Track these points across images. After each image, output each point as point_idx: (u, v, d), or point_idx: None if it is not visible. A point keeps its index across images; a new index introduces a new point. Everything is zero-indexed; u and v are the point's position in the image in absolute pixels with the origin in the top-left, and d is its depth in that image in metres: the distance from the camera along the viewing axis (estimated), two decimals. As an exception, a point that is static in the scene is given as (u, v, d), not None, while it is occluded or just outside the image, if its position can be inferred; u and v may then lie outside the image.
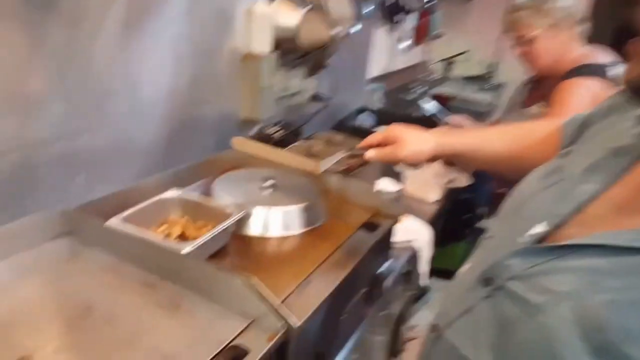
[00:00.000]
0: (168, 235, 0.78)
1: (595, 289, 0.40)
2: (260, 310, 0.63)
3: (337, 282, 0.75)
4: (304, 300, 0.70)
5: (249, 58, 1.31)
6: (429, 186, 1.55)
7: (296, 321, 0.62)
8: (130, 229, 0.72)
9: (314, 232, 0.89)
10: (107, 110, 0.95)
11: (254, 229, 0.85)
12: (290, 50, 1.46)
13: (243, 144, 1.06)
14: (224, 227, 0.75)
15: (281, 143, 1.36)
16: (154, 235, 0.75)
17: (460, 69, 3.46)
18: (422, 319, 2.34)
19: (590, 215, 0.47)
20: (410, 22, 2.57)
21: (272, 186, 0.94)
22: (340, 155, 0.98)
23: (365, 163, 1.37)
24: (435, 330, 0.58)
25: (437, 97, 2.35)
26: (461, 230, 2.60)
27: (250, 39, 1.31)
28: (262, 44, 1.32)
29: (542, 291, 0.44)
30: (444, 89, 3.11)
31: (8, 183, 0.79)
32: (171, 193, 0.85)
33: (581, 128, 0.62)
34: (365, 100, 2.22)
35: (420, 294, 1.97)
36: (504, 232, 0.55)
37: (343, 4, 1.56)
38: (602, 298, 0.39)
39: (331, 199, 1.02)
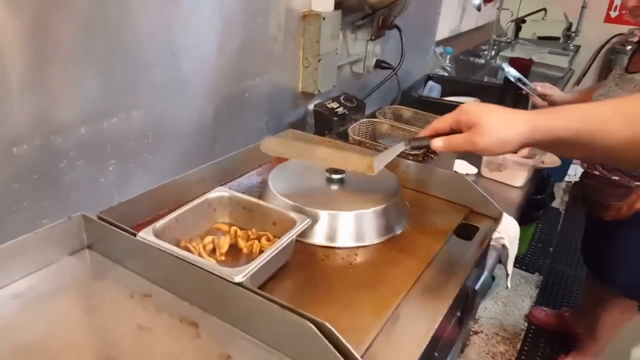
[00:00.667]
0: (213, 251, 0.62)
1: None
2: (336, 366, 0.46)
3: (436, 323, 0.56)
4: (392, 350, 0.52)
5: (308, 17, 1.10)
6: (514, 168, 1.30)
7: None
8: (166, 245, 0.55)
9: (394, 242, 0.70)
10: (143, 86, 0.78)
11: (318, 238, 0.67)
12: (353, 9, 1.24)
13: (271, 147, 0.74)
14: (286, 242, 0.57)
15: (342, 121, 1.16)
16: (196, 254, 0.58)
17: (534, 29, 3.08)
18: (484, 310, 2.15)
19: None
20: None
21: (340, 181, 0.75)
22: (399, 149, 0.72)
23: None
24: None
25: (513, 61, 2.04)
26: (534, 212, 2.33)
27: (311, -5, 1.10)
28: (324, 1, 1.11)
29: None
30: (516, 53, 2.77)
31: (24, 178, 0.64)
32: (217, 193, 0.67)
33: None
34: (433, 65, 1.96)
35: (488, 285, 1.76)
36: None
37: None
38: None
39: (410, 196, 0.82)
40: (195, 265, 0.53)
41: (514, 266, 1.21)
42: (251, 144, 0.91)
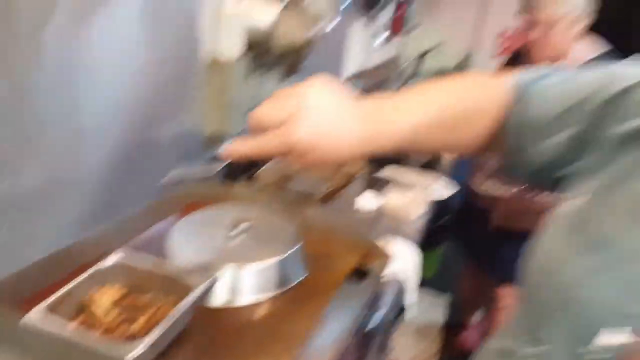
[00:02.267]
0: (114, 327, 0.61)
1: None
2: None
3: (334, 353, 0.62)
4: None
5: (216, 64, 1.14)
6: (411, 203, 1.44)
7: None
8: (54, 327, 0.54)
9: (293, 293, 0.75)
10: (39, 141, 0.77)
11: (219, 296, 0.70)
12: (262, 54, 1.30)
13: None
14: (183, 310, 0.59)
15: (253, 165, 1.21)
16: (90, 329, 0.58)
17: (434, 62, 3.37)
18: (398, 339, 2.28)
19: None
20: (386, 14, 2.43)
21: (244, 231, 0.79)
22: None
23: (348, 182, 1.25)
24: None
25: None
26: (437, 237, 2.52)
27: (218, 42, 1.14)
28: (232, 48, 1.16)
29: None
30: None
31: None
32: (112, 260, 0.66)
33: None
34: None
35: (397, 315, 1.88)
36: (560, 339, 0.41)
37: (319, 0, 1.40)
38: None
39: (312, 240, 0.88)
40: (86, 347, 0.53)
41: (421, 286, 1.31)
42: (160, 195, 0.92)
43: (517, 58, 1.72)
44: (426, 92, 0.55)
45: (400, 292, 1.15)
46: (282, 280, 0.75)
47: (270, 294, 0.73)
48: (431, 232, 2.07)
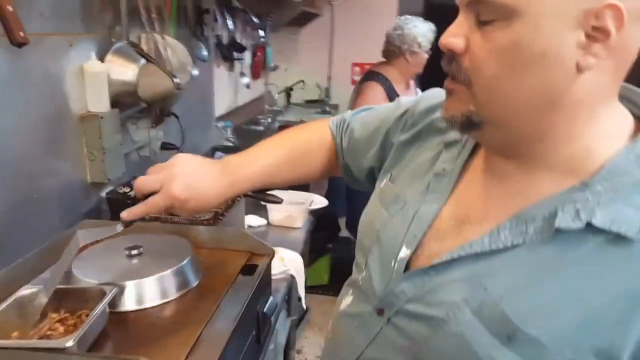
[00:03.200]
0: (47, 336, 0.70)
1: (482, 291, 0.47)
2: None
3: (227, 337, 0.75)
4: (198, 366, 0.69)
5: (87, 118, 1.23)
6: (292, 214, 1.63)
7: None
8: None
9: (193, 293, 0.88)
10: None
11: (128, 304, 0.81)
12: (131, 104, 1.42)
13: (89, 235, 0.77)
14: (101, 309, 0.70)
15: (136, 203, 1.30)
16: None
17: (301, 96, 3.70)
18: (305, 339, 2.43)
19: (441, 231, 0.56)
20: (247, 58, 2.67)
21: (140, 254, 0.90)
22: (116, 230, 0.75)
23: (231, 205, 1.40)
24: None
25: (284, 127, 2.47)
26: (324, 245, 2.77)
27: (86, 98, 1.24)
28: (100, 102, 1.26)
29: (440, 305, 0.50)
30: (289, 116, 3.29)
31: None
32: (27, 290, 0.75)
33: (384, 144, 0.72)
34: (217, 138, 2.24)
35: (301, 316, 2.04)
36: (374, 261, 0.61)
37: (179, 52, 1.57)
38: (493, 295, 0.47)
39: (204, 252, 1.02)
40: (30, 348, 0.62)
41: (321, 294, 1.47)
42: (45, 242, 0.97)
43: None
44: (270, 143, 0.81)
45: (292, 285, 1.31)
46: (180, 285, 0.87)
47: (171, 298, 0.85)
48: (315, 241, 2.29)
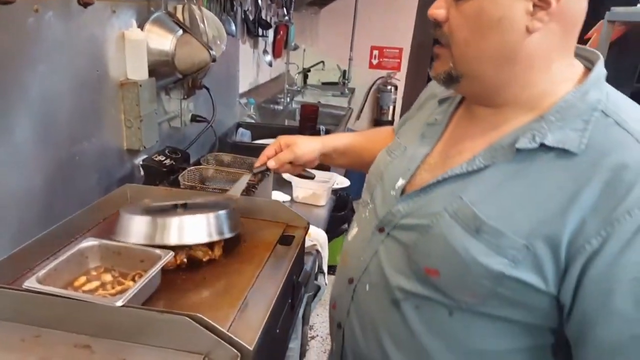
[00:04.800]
0: (98, 290, 0.73)
1: (458, 200, 0.61)
2: (211, 344, 0.64)
3: (273, 301, 0.78)
4: (247, 324, 0.72)
5: (126, 85, 1.25)
6: (317, 192, 1.65)
7: (249, 345, 0.65)
8: (53, 290, 0.66)
9: (236, 258, 0.91)
10: None
11: (173, 238, 0.83)
12: (166, 74, 1.43)
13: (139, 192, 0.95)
14: (154, 273, 0.73)
15: (171, 171, 1.32)
16: (81, 292, 0.70)
17: (318, 77, 3.70)
18: (317, 317, 2.47)
19: (431, 165, 0.71)
20: (270, 36, 2.67)
21: (184, 206, 0.93)
22: (247, 177, 1.02)
23: (262, 179, 1.43)
24: (351, 282, 0.74)
25: (304, 107, 2.48)
26: (340, 227, 2.79)
27: (126, 65, 1.25)
28: (139, 70, 1.27)
29: (426, 215, 0.64)
30: (306, 97, 3.29)
31: None
32: (88, 242, 0.78)
33: (404, 121, 0.90)
34: (240, 115, 2.25)
35: (315, 292, 2.08)
36: (378, 195, 0.75)
37: (213, 24, 1.57)
38: (465, 201, 0.61)
39: (244, 222, 1.04)
40: (84, 301, 0.65)
41: (334, 274, 1.52)
42: (87, 204, 1.00)
43: None
44: (350, 134, 1.07)
45: (317, 260, 1.34)
46: (220, 230, 0.88)
47: (213, 239, 0.86)
48: (334, 220, 2.31)
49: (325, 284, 1.52)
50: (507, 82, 0.62)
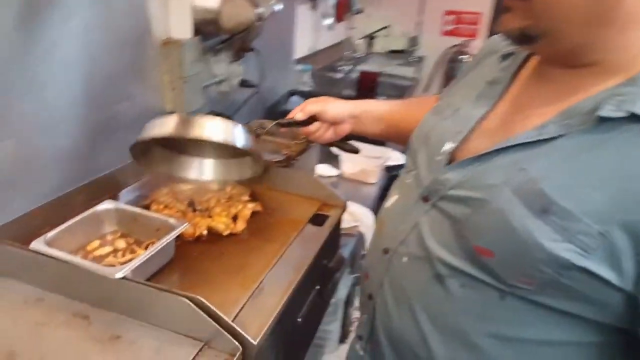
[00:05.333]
0: (109, 256, 0.70)
1: (522, 173, 0.53)
2: (211, 331, 0.58)
3: (292, 288, 0.71)
4: (257, 312, 0.65)
5: (168, 44, 1.20)
6: (367, 169, 1.54)
7: (252, 339, 0.58)
8: (55, 253, 0.62)
9: (260, 235, 0.84)
10: (7, 119, 0.81)
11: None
12: (212, 34, 1.36)
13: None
14: (164, 244, 0.67)
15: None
16: (84, 259, 0.66)
17: (383, 44, 3.50)
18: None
19: (489, 130, 0.62)
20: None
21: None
22: (272, 124, 0.92)
23: (304, 150, 1.34)
24: (387, 252, 0.67)
25: (362, 75, 2.34)
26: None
27: (169, 23, 1.20)
28: (182, 29, 1.21)
29: (481, 188, 0.56)
30: (369, 66, 3.13)
31: None
32: (104, 205, 0.75)
33: (456, 82, 0.79)
34: (294, 82, 2.17)
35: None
36: (422, 159, 0.67)
37: (265, -17, 1.48)
38: (531, 175, 0.52)
39: (274, 194, 0.97)
40: (83, 268, 0.61)
41: None
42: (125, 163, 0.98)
43: None
44: (389, 101, 0.97)
45: (360, 242, 1.25)
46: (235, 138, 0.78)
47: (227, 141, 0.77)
48: (383, 196, 2.19)
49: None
50: (596, 43, 0.53)
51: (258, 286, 0.70)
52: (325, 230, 0.89)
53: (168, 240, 0.68)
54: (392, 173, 1.71)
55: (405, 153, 0.87)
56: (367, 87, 2.15)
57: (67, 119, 0.94)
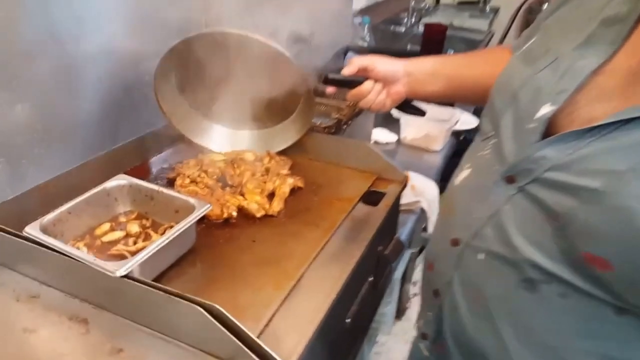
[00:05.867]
0: (119, 243, 0.59)
1: None
2: (232, 349, 0.45)
3: (339, 286, 0.56)
4: (294, 320, 0.52)
5: None
6: (431, 134, 1.34)
7: (283, 360, 0.45)
8: (49, 241, 0.52)
9: (300, 217, 0.69)
10: (26, 77, 0.71)
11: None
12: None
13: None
14: (180, 231, 0.55)
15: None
16: (90, 246, 0.55)
17: (451, -5, 3.16)
18: (420, 272, 2.23)
19: (605, 89, 0.46)
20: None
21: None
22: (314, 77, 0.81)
23: (357, 113, 1.17)
24: (457, 244, 0.54)
25: (428, 27, 2.08)
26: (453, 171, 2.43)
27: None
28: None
29: (596, 174, 0.42)
30: (436, 18, 2.83)
31: None
32: (116, 181, 0.64)
33: (547, 14, 0.60)
34: (351, 37, 1.96)
35: (421, 248, 1.83)
36: (507, 125, 0.52)
37: None
38: None
39: (320, 166, 0.82)
40: (78, 261, 0.50)
41: None
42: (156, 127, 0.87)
43: None
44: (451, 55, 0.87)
45: (421, 220, 1.08)
46: None
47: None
48: (448, 167, 1.98)
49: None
50: None
51: (296, 284, 0.56)
52: (381, 211, 0.73)
53: (185, 227, 0.55)
54: (460, 138, 1.50)
55: (479, 115, 0.68)
56: (433, 41, 1.90)
57: (88, 78, 0.83)
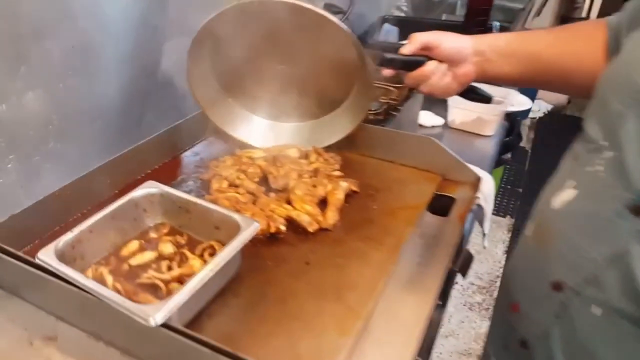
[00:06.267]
0: (150, 267, 0.49)
1: None
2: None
3: (420, 327, 0.46)
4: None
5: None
6: (483, 117, 1.20)
7: None
8: (66, 272, 0.42)
9: (359, 231, 0.58)
10: (36, 61, 0.61)
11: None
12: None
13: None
14: (226, 260, 0.44)
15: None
16: (115, 273, 0.45)
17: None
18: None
19: None
20: None
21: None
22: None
23: (407, 97, 1.04)
24: (559, 288, 0.44)
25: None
26: (502, 156, 2.28)
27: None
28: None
29: None
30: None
31: None
32: (144, 190, 0.54)
33: None
34: (387, 6, 1.80)
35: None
36: (631, 135, 0.40)
37: None
38: None
39: (374, 166, 0.70)
40: (103, 302, 0.40)
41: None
42: (184, 117, 0.77)
43: None
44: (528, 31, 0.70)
45: (478, 218, 0.96)
46: None
47: None
48: (499, 149, 1.84)
49: (485, 245, 1.14)
50: None
51: (364, 325, 0.46)
52: (454, 224, 0.61)
53: (230, 257, 0.44)
54: (513, 118, 1.36)
55: (583, 117, 0.53)
56: (478, 12, 1.72)
57: (107, 61, 0.72)
